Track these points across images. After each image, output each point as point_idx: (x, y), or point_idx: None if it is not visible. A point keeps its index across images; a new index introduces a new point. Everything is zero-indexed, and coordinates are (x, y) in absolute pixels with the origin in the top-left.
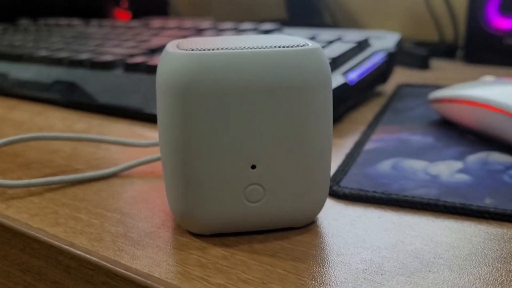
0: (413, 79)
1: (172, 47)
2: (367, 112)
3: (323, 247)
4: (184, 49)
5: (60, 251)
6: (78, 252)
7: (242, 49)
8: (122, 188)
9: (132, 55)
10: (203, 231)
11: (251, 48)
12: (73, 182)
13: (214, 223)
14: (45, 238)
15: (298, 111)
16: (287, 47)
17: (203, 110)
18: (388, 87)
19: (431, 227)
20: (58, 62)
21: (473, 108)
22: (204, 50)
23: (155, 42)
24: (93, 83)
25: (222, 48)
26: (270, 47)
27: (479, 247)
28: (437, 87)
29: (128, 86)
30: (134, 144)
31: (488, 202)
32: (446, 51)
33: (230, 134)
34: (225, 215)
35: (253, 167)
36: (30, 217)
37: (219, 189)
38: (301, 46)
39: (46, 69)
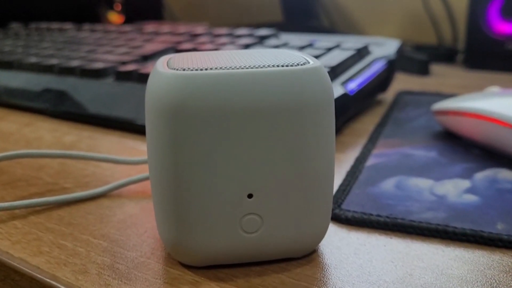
0: (413, 85)
1: (162, 65)
2: (367, 122)
3: (326, 281)
4: (174, 69)
5: (42, 285)
6: (61, 286)
7: (237, 68)
8: (111, 211)
9: (124, 63)
10: (195, 263)
11: (247, 68)
12: (59, 204)
13: (207, 255)
14: (27, 270)
15: (298, 135)
16: (286, 66)
17: (195, 134)
18: (388, 94)
19: (441, 257)
20: (48, 69)
21: (480, 121)
22: (196, 70)
23: (148, 48)
24: (84, 92)
25: (215, 68)
26: (268, 66)
27: (494, 281)
28: (438, 94)
29: (119, 95)
30: (124, 162)
31: (500, 228)
32: (446, 55)
33: (225, 161)
34: (219, 247)
35: (250, 196)
36: (11, 245)
37: (212, 220)
38: (301, 64)
39: (35, 77)
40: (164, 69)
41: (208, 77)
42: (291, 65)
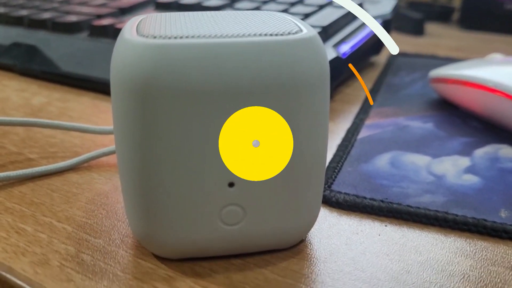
0: (407, 46)
1: (129, 31)
2: (360, 88)
3: (314, 278)
4: (144, 35)
5: None
6: (17, 281)
7: (218, 37)
8: (78, 188)
9: (99, 16)
10: (169, 256)
11: (229, 37)
12: (22, 179)
13: (183, 248)
14: None
15: (288, 115)
16: (276, 35)
17: (169, 115)
18: (381, 56)
19: (440, 249)
20: (17, 21)
21: (481, 92)
22: (169, 37)
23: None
24: (55, 48)
25: (193, 36)
26: (255, 35)
27: (498, 280)
28: (433, 57)
29: (93, 53)
30: (94, 131)
31: (504, 216)
32: (441, 13)
33: (203, 145)
34: (196, 240)
35: (231, 184)
36: None
37: (188, 211)
38: (293, 33)
39: (3, 30)
40: (131, 35)
41: (183, 47)
42: (282, 34)
